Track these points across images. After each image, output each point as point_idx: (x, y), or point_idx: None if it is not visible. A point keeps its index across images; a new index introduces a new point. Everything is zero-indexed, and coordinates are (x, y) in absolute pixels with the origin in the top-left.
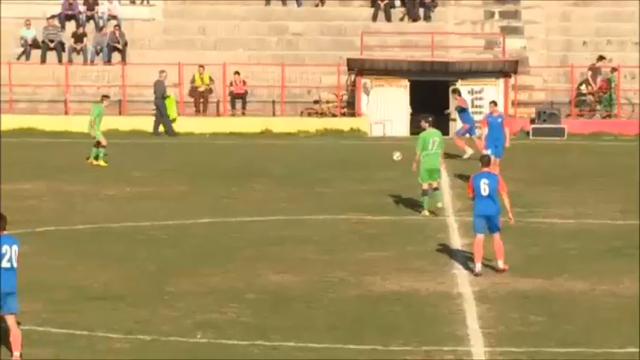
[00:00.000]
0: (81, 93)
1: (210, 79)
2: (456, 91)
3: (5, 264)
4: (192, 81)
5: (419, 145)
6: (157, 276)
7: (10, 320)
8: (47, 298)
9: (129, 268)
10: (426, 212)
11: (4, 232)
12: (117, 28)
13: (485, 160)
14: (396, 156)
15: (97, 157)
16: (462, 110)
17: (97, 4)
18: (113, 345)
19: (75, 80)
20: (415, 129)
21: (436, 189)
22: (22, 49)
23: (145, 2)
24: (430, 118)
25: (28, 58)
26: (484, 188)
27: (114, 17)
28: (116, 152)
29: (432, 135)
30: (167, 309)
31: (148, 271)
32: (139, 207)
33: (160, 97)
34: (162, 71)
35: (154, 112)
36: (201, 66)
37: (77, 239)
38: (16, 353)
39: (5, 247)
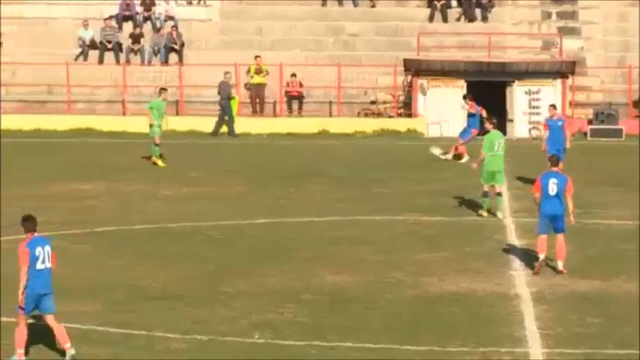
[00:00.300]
0: (138, 93)
1: (267, 70)
2: (467, 97)
3: (40, 265)
4: (248, 71)
5: (485, 145)
6: (215, 276)
7: (50, 319)
8: (106, 298)
9: (187, 268)
10: (484, 213)
11: (36, 234)
12: (174, 28)
13: (554, 160)
14: (437, 152)
15: (157, 155)
16: (471, 115)
17: (154, 5)
18: (171, 345)
19: (132, 81)
20: None
21: (499, 194)
22: (79, 50)
23: (202, 3)
24: (495, 120)
25: (85, 58)
26: (552, 188)
27: (171, 18)
28: (173, 152)
29: (497, 137)
30: (224, 309)
31: (206, 271)
32: (197, 207)
33: (226, 97)
34: (227, 72)
35: (219, 112)
36: (257, 56)
37: (136, 239)
38: (67, 345)
39: (38, 249)
